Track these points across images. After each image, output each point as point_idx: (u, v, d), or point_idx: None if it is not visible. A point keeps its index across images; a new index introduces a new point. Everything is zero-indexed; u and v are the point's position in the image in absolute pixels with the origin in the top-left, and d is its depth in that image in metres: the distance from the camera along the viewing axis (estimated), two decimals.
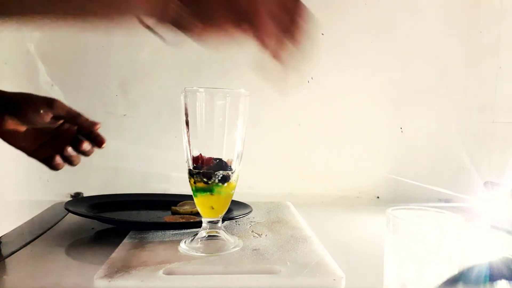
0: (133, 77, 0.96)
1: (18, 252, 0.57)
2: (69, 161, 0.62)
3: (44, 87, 0.92)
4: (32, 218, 0.75)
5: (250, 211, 0.71)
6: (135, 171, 0.96)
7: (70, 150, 0.61)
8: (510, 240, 0.71)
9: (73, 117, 0.60)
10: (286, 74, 0.47)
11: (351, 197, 1.01)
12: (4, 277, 0.49)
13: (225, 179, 0.54)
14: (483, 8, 0.98)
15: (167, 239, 0.59)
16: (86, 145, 0.61)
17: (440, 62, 1.01)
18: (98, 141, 0.61)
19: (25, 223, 0.72)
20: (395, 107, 1.01)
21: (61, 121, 0.60)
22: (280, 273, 0.47)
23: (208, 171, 0.54)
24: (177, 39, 0.43)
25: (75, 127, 0.61)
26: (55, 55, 0.93)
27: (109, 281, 0.44)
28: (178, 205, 0.75)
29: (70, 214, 0.67)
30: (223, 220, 0.60)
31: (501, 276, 0.34)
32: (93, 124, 0.61)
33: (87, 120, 0.61)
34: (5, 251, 0.56)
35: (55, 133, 0.61)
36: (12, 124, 0.58)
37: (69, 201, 0.75)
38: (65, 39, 0.92)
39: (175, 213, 0.73)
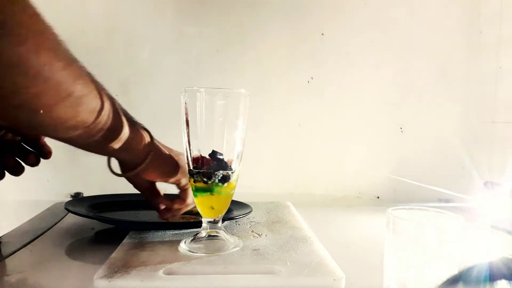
0: (133, 77, 0.96)
1: (18, 252, 0.57)
2: (13, 171, 0.59)
3: None
4: (32, 218, 0.75)
5: (250, 211, 0.71)
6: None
7: (13, 161, 0.58)
8: (510, 240, 0.71)
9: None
10: None
11: (351, 197, 1.01)
12: (4, 277, 0.49)
13: (225, 179, 0.54)
14: (483, 8, 0.98)
15: (167, 239, 0.59)
16: (32, 157, 0.58)
17: (440, 62, 1.01)
18: (44, 152, 0.59)
19: (25, 223, 0.72)
20: (395, 107, 1.01)
21: (2, 132, 0.58)
22: (280, 273, 0.47)
23: (208, 171, 0.54)
24: None
25: (18, 138, 0.59)
26: None
27: (109, 281, 0.44)
28: None
29: (70, 214, 0.66)
30: (223, 220, 0.60)
31: (501, 276, 0.34)
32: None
33: None
34: (5, 251, 0.56)
35: None
36: None
37: (69, 201, 0.75)
38: (65, 39, 0.92)
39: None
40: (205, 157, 0.54)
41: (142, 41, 0.95)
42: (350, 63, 1.00)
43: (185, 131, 0.55)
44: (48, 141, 0.94)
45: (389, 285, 0.43)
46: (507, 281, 0.34)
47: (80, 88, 0.43)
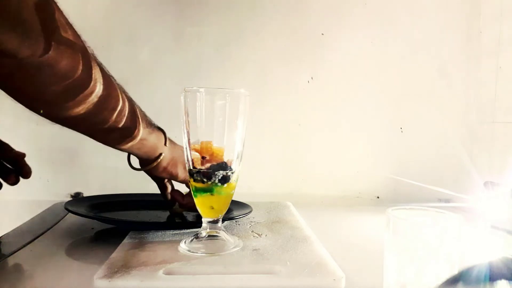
0: (133, 77, 0.96)
1: (18, 252, 0.57)
2: None
3: None
4: (32, 218, 0.75)
5: (250, 211, 0.71)
6: (135, 171, 0.96)
7: None
8: (510, 240, 0.71)
9: None
10: None
11: (351, 197, 1.01)
12: (4, 277, 0.49)
13: (225, 179, 0.54)
14: (483, 8, 0.98)
15: (167, 239, 0.59)
16: (12, 177, 0.59)
17: (440, 62, 1.01)
18: (24, 172, 0.60)
19: (25, 223, 0.72)
20: (395, 107, 1.01)
21: None
22: (280, 273, 0.47)
23: (208, 171, 0.54)
24: None
25: None
26: None
27: (109, 281, 0.44)
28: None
29: (70, 214, 0.66)
30: (223, 220, 0.60)
31: (501, 276, 0.34)
32: (18, 155, 0.60)
33: (11, 150, 0.60)
34: (5, 251, 0.56)
35: None
36: None
37: (69, 201, 0.75)
38: None
39: (175, 213, 0.73)
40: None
41: (142, 41, 0.95)
42: (350, 63, 1.00)
43: (185, 131, 0.55)
44: (50, 141, 0.94)
45: (389, 285, 0.43)
46: (507, 281, 0.34)
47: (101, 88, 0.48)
